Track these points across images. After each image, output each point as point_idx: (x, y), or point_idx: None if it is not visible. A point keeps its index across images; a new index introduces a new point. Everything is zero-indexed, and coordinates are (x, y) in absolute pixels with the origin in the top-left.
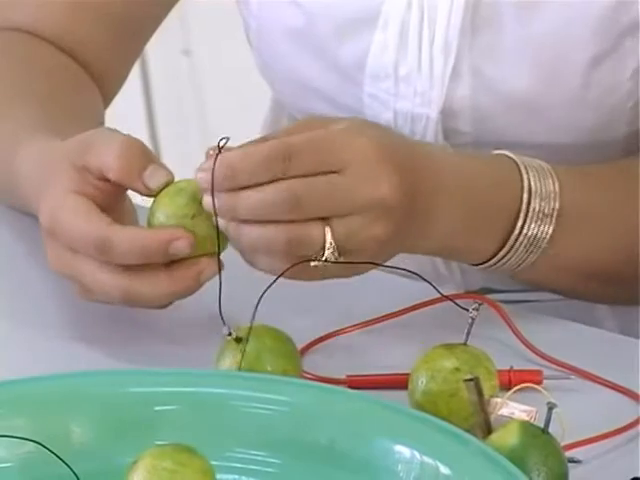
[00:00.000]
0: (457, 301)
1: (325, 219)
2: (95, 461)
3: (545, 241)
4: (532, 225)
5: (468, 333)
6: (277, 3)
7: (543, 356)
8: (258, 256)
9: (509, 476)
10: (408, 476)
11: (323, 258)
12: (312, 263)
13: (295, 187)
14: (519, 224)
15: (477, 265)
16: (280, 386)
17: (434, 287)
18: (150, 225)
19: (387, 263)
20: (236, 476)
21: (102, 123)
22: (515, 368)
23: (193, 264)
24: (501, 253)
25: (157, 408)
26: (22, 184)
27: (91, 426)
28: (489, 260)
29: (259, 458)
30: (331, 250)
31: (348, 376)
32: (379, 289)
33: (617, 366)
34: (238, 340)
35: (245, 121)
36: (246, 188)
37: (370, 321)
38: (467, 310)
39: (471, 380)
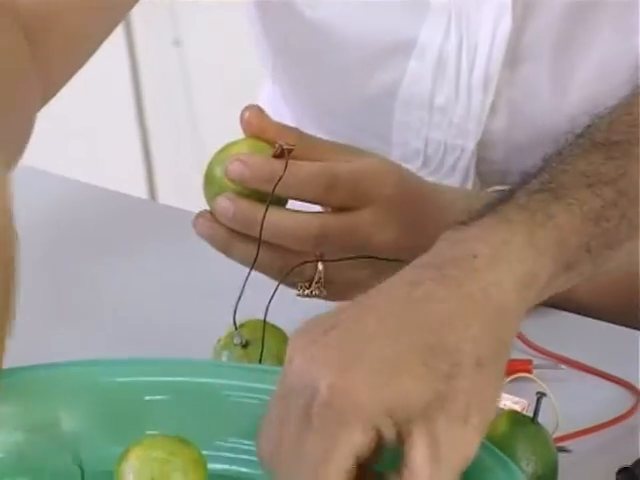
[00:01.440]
0: None
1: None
2: (85, 451)
3: None
4: None
5: None
6: (304, 31)
7: (533, 346)
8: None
9: (499, 464)
10: (395, 464)
11: (308, 291)
12: (296, 293)
13: (324, 226)
14: None
15: None
16: (270, 376)
17: None
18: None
19: None
20: (226, 466)
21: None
22: None
23: None
24: None
25: (147, 397)
26: None
27: (81, 416)
28: None
29: (250, 448)
30: (318, 285)
31: None
32: None
33: (608, 356)
34: (244, 346)
35: (235, 112)
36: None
37: None
38: None
39: None
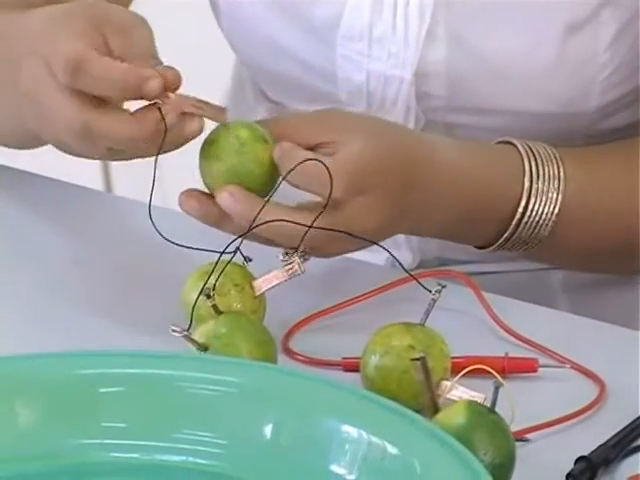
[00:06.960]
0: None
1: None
2: (41, 444)
3: (550, 221)
4: (535, 207)
5: (427, 314)
6: None
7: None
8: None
9: (456, 455)
10: (355, 456)
11: (290, 261)
12: (281, 259)
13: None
14: (521, 208)
15: (482, 248)
16: (226, 367)
17: (404, 269)
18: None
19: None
20: (183, 457)
21: None
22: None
23: (154, 109)
24: (505, 236)
25: (102, 390)
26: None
27: (36, 409)
28: (493, 244)
29: (206, 439)
30: (302, 259)
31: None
32: (346, 272)
33: (574, 346)
34: (217, 311)
35: (205, 87)
36: None
37: (341, 304)
38: (430, 291)
39: (418, 359)
